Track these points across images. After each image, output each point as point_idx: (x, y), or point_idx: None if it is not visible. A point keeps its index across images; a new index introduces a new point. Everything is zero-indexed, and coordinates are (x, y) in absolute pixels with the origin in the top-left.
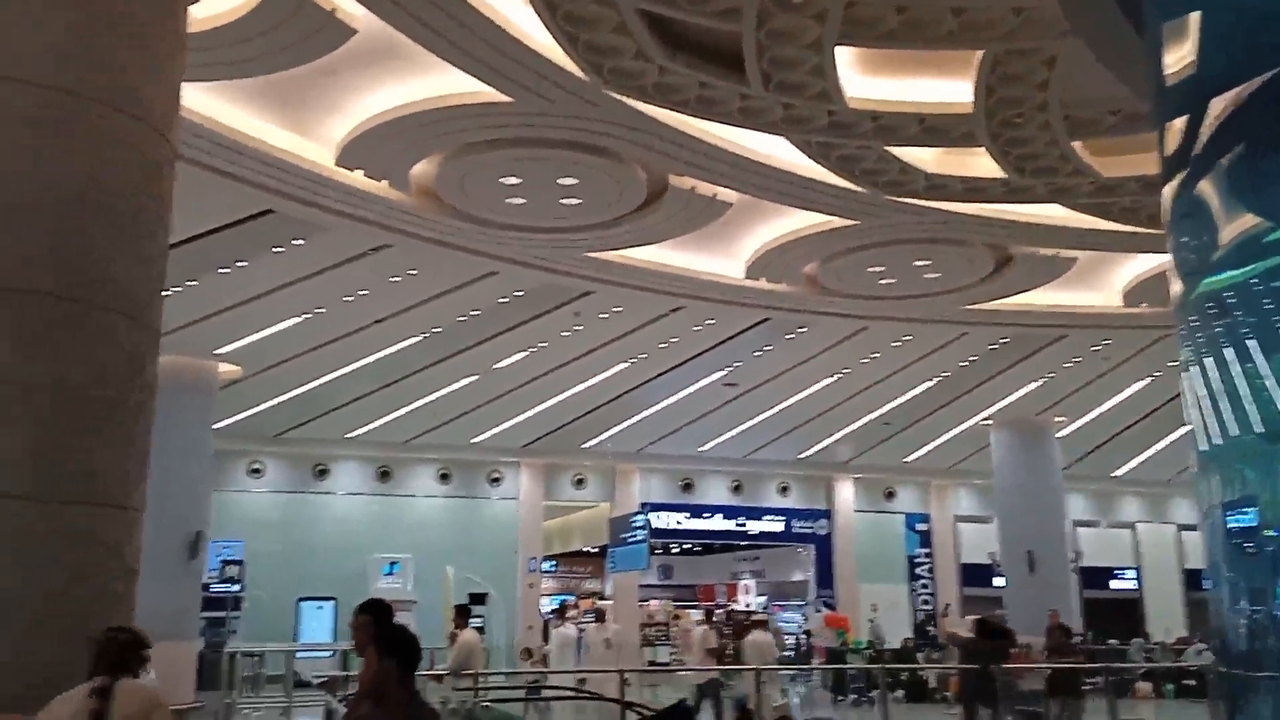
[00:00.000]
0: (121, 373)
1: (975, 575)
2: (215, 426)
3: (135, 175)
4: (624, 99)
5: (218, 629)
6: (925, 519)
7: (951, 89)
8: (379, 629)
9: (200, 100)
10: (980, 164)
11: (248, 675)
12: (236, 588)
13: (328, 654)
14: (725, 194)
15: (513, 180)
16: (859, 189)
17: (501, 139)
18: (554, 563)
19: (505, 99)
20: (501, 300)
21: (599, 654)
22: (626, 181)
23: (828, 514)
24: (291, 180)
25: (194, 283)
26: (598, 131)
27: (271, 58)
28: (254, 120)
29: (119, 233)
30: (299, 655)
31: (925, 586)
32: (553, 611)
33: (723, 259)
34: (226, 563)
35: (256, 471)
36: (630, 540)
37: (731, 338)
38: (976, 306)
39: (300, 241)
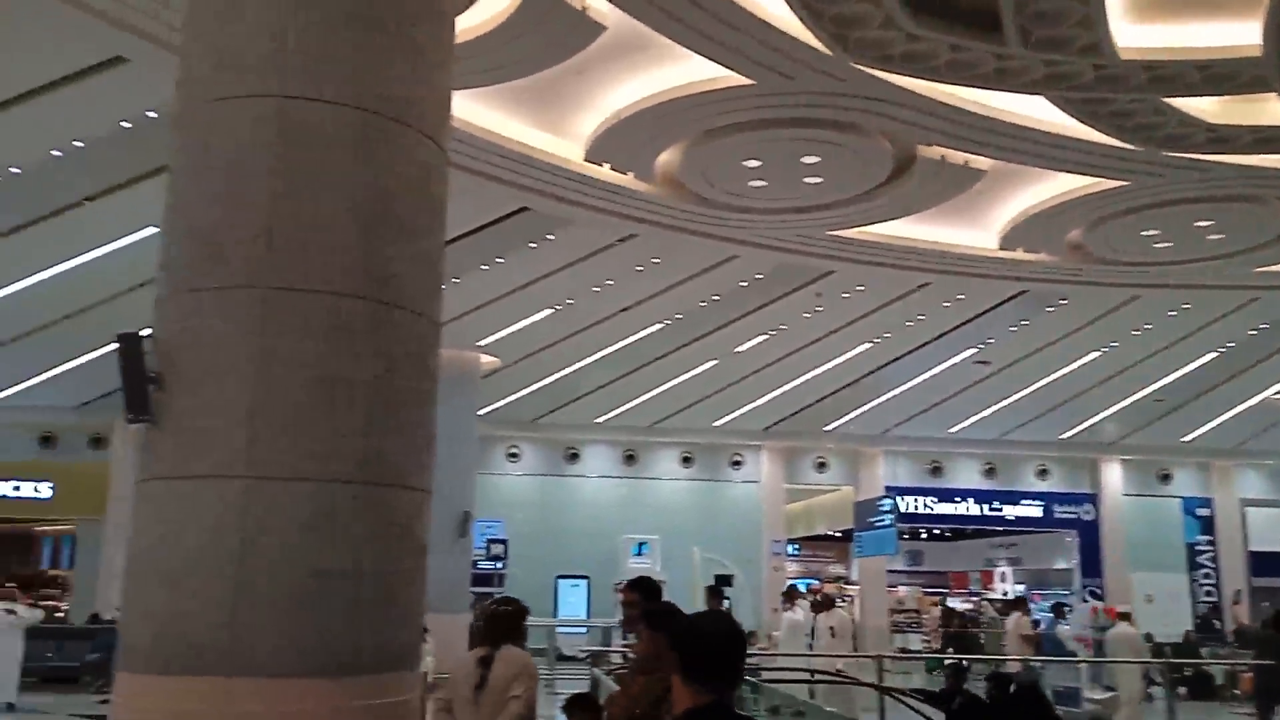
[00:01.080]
0: (411, 364)
1: (1267, 564)
2: (478, 413)
3: (415, 183)
4: (869, 70)
5: (485, 603)
6: (1206, 503)
7: (1236, 31)
8: (649, 605)
9: (461, 106)
10: (1272, 111)
11: None
12: (500, 565)
13: (584, 630)
14: (977, 161)
15: (754, 163)
16: (1130, 146)
17: (743, 122)
18: (797, 546)
19: (747, 82)
20: (742, 284)
21: (826, 640)
22: (871, 155)
23: (1093, 498)
24: (545, 178)
25: (457, 280)
26: (841, 106)
27: (527, 61)
28: (509, 122)
29: (405, 236)
30: (559, 630)
31: (1208, 576)
32: (782, 595)
33: (974, 230)
34: (491, 541)
35: (514, 456)
36: (877, 525)
37: (984, 313)
38: (1269, 269)
39: (552, 236)
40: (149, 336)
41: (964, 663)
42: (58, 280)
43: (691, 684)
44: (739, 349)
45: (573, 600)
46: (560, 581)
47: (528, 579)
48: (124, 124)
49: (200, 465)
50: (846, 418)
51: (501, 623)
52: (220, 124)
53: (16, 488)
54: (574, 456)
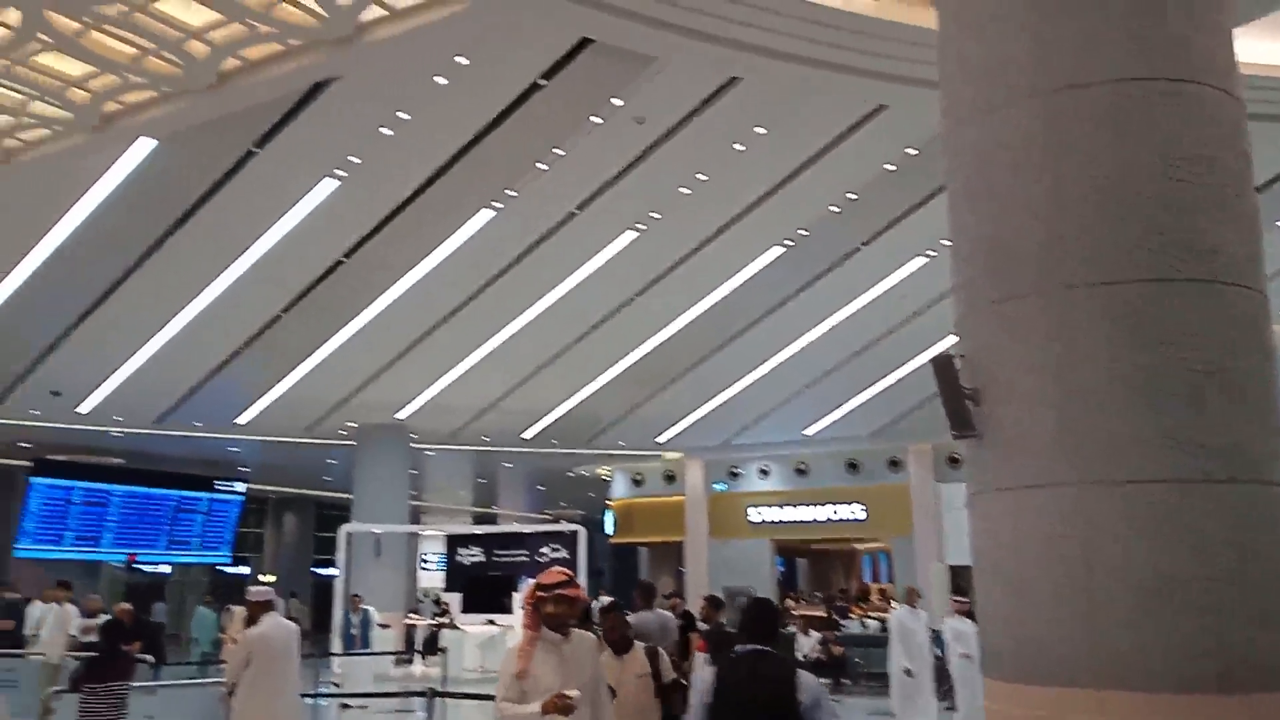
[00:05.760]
0: (1244, 344)
1: None
2: None
3: (1214, 144)
4: None
5: None
6: None
7: None
8: None
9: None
10: None
11: None
12: None
13: None
14: None
15: None
16: None
17: None
18: None
19: None
20: None
21: None
22: None
23: None
24: None
25: None
26: None
27: None
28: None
29: (1214, 206)
30: None
31: None
32: None
33: None
34: None
35: None
36: None
37: None
38: None
39: None
40: (959, 355)
41: None
42: (845, 323)
43: None
44: None
45: None
46: None
47: None
48: (887, 167)
49: (1026, 474)
50: None
51: None
52: (989, 137)
53: (835, 511)
54: None
